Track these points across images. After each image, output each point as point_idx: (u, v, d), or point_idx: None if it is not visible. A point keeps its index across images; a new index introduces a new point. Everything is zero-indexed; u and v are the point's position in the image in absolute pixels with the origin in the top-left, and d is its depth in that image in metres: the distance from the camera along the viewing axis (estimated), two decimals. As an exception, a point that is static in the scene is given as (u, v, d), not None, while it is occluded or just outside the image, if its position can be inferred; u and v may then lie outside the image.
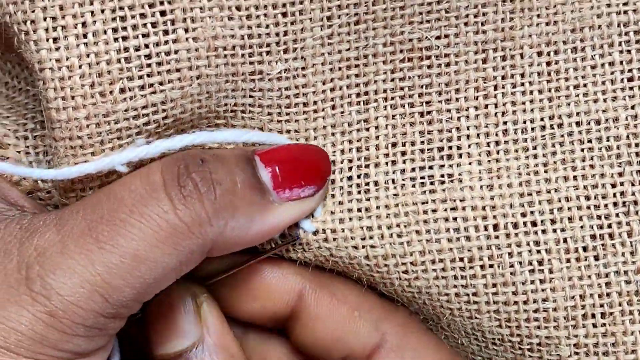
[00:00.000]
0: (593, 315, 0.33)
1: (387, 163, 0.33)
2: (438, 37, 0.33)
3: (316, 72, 0.32)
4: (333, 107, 0.33)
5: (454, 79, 0.33)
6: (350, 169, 0.33)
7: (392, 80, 0.33)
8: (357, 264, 0.33)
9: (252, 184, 0.31)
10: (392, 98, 0.33)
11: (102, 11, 0.31)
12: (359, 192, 0.33)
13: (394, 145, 0.34)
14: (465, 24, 0.33)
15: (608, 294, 0.33)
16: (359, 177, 0.33)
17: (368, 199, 0.33)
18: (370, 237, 0.33)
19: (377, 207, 0.33)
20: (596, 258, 0.33)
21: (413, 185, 0.33)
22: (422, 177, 0.34)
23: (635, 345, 0.33)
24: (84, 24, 0.31)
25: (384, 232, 0.33)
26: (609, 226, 0.33)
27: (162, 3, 0.31)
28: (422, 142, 0.34)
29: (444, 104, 0.34)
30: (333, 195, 0.33)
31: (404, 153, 0.34)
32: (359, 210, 0.33)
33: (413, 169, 0.34)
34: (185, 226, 0.29)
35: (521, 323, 0.33)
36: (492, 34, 0.33)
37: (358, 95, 0.33)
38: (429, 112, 0.34)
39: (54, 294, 0.28)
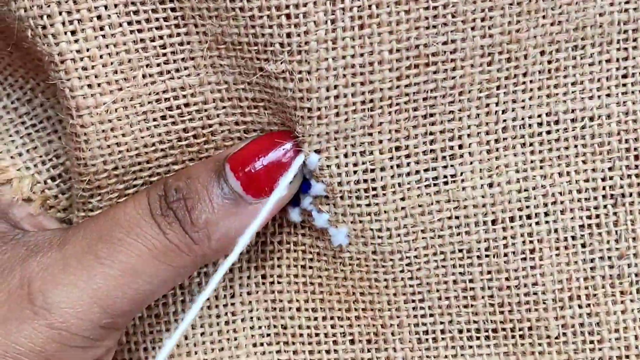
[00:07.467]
0: (579, 297, 0.35)
1: (392, 167, 0.33)
2: (445, 43, 0.31)
3: (320, 78, 0.31)
4: (337, 115, 0.32)
5: (459, 82, 0.32)
6: (355, 172, 0.33)
7: (398, 87, 0.32)
8: (364, 258, 0.35)
9: (225, 196, 0.32)
10: (397, 104, 0.32)
11: (115, 5, 0.32)
12: (367, 197, 0.34)
13: (397, 149, 0.33)
14: (472, 28, 0.31)
15: (592, 277, 0.35)
16: (365, 181, 0.34)
17: (377, 204, 0.34)
18: (379, 237, 0.34)
19: (385, 212, 0.34)
20: (583, 245, 0.35)
21: (419, 188, 0.34)
22: (427, 179, 0.34)
23: (618, 324, 0.35)
24: (99, 17, 0.32)
25: (392, 232, 0.34)
26: (597, 217, 0.35)
27: (171, 0, 0.32)
28: (425, 143, 0.33)
29: (447, 106, 0.33)
30: (342, 197, 0.34)
31: (408, 155, 0.33)
32: (368, 214, 0.34)
33: (417, 171, 0.34)
34: (176, 247, 0.31)
35: (513, 307, 0.35)
36: (498, 38, 0.32)
37: (363, 102, 0.32)
38: (432, 115, 0.33)
39: (54, 307, 0.30)
